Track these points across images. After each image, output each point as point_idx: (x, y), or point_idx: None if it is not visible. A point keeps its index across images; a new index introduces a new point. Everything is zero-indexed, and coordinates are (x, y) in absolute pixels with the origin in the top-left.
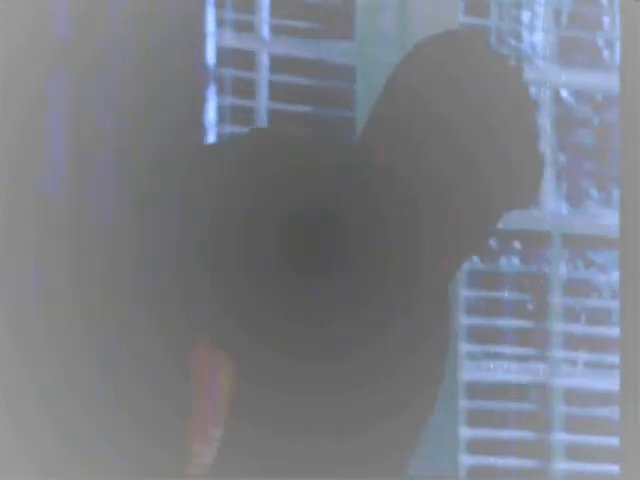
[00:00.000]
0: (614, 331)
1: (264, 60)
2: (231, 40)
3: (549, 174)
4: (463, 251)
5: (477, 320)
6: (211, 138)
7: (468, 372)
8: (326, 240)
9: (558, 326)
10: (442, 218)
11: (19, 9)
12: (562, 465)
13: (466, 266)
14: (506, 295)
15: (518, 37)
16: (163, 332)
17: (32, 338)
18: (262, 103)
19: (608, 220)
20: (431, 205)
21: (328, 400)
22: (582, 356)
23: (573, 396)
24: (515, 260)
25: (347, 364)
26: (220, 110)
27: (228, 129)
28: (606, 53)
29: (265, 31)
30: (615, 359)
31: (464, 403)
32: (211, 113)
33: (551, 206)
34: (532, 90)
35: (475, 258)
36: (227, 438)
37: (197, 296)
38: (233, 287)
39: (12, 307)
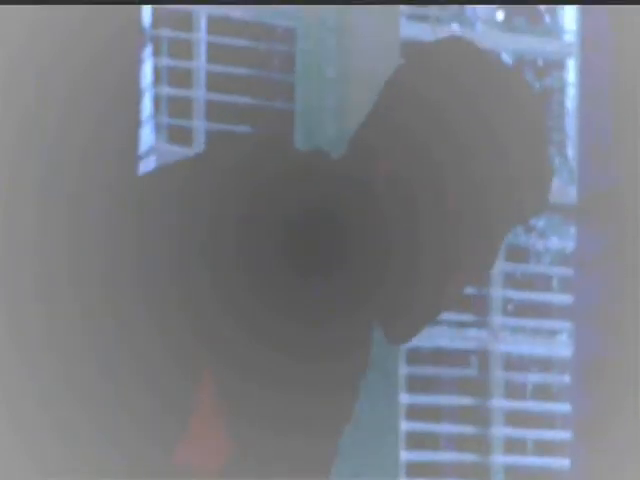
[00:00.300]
0: (554, 297)
1: (202, 21)
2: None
3: None
4: (475, 267)
5: None
6: (147, 101)
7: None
8: (329, 258)
9: (498, 292)
10: (453, 233)
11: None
12: (502, 431)
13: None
14: None
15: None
16: (163, 332)
17: (32, 338)
18: (200, 65)
19: None
20: (439, 218)
21: (328, 400)
22: (522, 322)
23: (513, 362)
24: None
25: (346, 364)
26: (156, 71)
27: (165, 90)
28: (547, 18)
29: None
30: (555, 325)
31: (403, 369)
32: (147, 75)
33: None
34: (537, 94)
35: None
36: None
37: (197, 296)
38: (233, 287)
39: (12, 307)
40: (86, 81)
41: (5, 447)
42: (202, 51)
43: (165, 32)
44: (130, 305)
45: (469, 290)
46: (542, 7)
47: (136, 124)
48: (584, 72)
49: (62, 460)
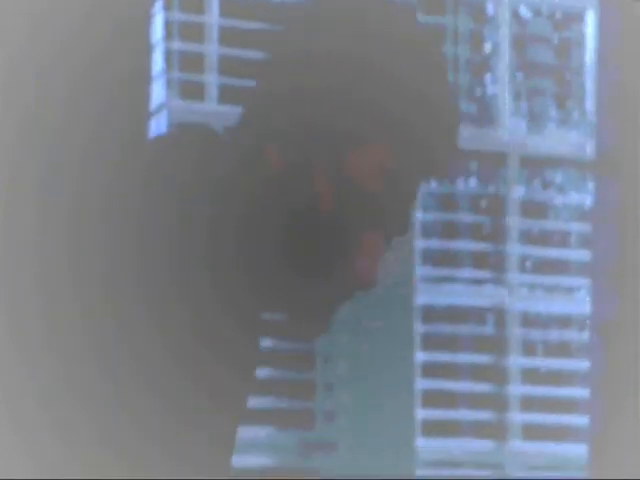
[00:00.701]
0: (572, 253)
1: None
2: None
3: (507, 93)
4: (385, 229)
5: (432, 243)
6: (158, 55)
7: (423, 295)
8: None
9: (515, 249)
10: (358, 197)
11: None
12: (519, 389)
13: (422, 188)
14: (462, 217)
15: None
16: (163, 332)
17: (32, 338)
18: (213, 19)
19: (567, 140)
20: (341, 186)
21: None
22: (539, 279)
23: (530, 319)
24: (472, 181)
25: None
26: (167, 26)
27: (177, 45)
28: None
29: None
30: (572, 282)
31: (419, 327)
32: (158, 29)
33: (509, 125)
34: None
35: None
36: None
37: (197, 296)
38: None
39: (12, 307)
40: (96, 40)
41: (5, 447)
42: (214, 4)
43: None
44: (130, 305)
45: (487, 247)
46: None
47: (147, 81)
48: (602, 25)
49: (62, 460)
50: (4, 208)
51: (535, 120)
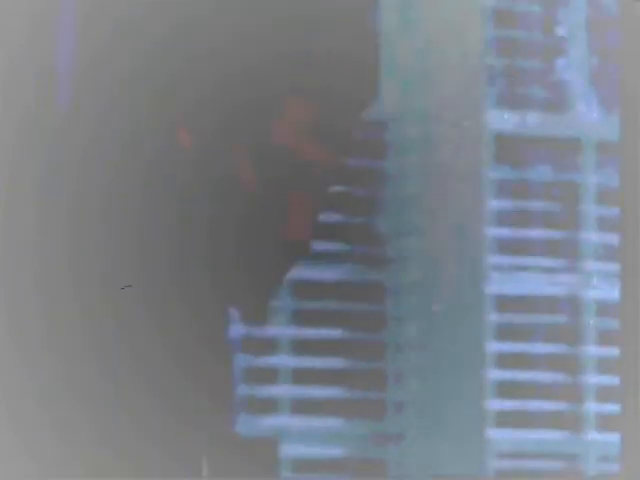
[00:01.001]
0: None
1: None
2: None
3: (581, 78)
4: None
5: (505, 231)
6: None
7: (496, 284)
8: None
9: (589, 236)
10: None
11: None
12: (593, 379)
13: (494, 175)
14: (535, 205)
15: None
16: (163, 332)
17: (32, 338)
18: None
19: None
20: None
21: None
22: (614, 267)
23: (604, 308)
24: (545, 168)
25: None
26: None
27: None
28: None
29: None
30: None
31: (492, 316)
32: None
33: (582, 112)
34: None
35: (505, 167)
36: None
37: (198, 295)
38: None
39: (12, 307)
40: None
41: (5, 447)
42: None
43: None
44: (130, 305)
45: (558, 235)
46: None
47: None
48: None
49: (62, 460)
50: (4, 208)
51: (608, 106)
